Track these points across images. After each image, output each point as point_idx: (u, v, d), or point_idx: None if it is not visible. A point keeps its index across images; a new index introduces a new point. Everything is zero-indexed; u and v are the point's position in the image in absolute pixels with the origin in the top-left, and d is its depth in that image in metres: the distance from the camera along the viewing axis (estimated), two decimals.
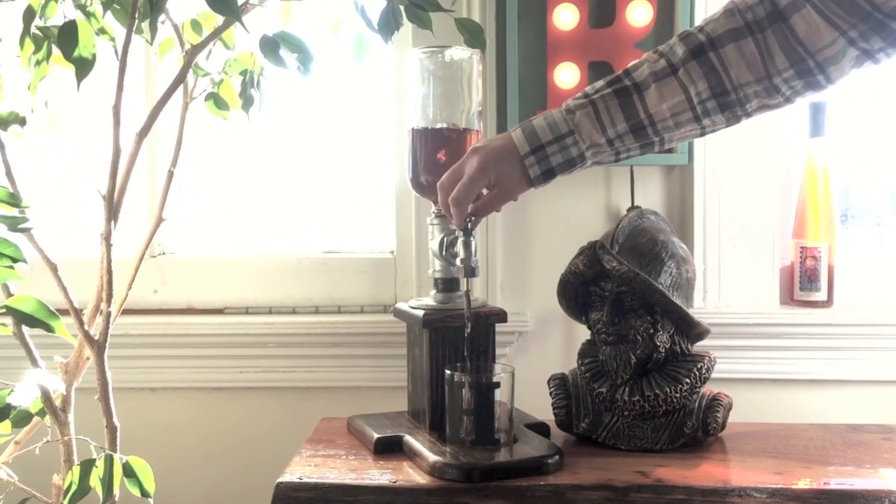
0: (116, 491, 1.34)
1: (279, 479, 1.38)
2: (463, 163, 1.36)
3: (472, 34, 1.54)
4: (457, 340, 1.53)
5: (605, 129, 1.33)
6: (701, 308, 1.86)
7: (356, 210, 2.07)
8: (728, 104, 1.32)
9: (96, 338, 1.40)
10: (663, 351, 1.52)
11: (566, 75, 1.84)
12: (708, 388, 1.56)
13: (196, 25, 1.58)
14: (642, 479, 1.37)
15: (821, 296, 1.87)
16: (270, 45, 1.49)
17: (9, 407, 1.33)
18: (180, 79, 1.49)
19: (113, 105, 1.40)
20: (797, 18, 1.26)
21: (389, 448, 1.51)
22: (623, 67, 1.79)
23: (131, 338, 1.91)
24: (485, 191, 1.36)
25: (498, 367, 1.49)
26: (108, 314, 1.41)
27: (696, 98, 1.31)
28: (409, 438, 1.50)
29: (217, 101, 1.64)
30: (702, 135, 1.37)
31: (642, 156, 1.39)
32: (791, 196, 1.92)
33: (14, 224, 1.30)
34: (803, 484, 1.34)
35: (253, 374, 1.95)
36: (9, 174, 1.38)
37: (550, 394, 1.60)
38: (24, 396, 1.34)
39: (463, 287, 1.54)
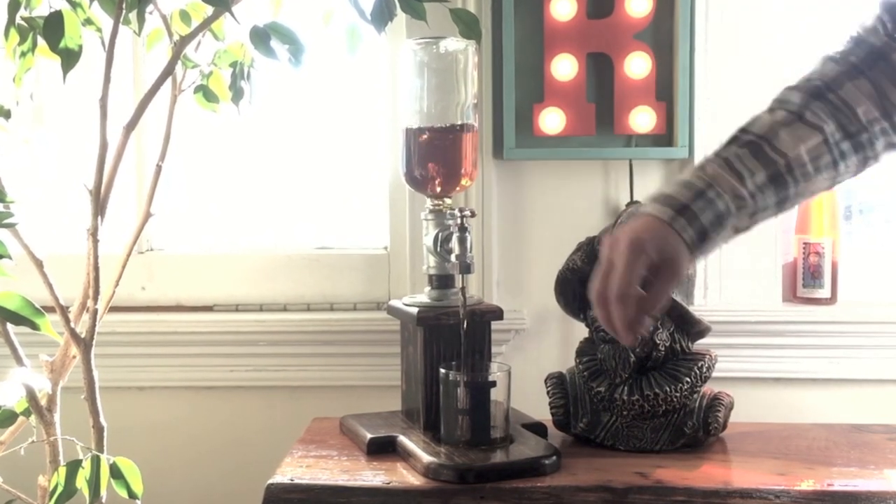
0: (103, 492, 1.34)
1: (270, 481, 1.38)
2: (607, 258, 1.20)
3: (467, 25, 1.54)
4: (452, 338, 1.53)
5: (743, 178, 1.21)
6: (701, 305, 1.86)
7: (349, 205, 2.07)
8: (860, 144, 1.25)
9: (83, 336, 1.40)
10: (663, 349, 1.53)
11: (564, 67, 1.84)
12: (709, 388, 1.56)
13: (185, 16, 1.58)
14: (642, 480, 1.37)
15: (824, 293, 1.88)
16: (261, 36, 1.49)
17: None
18: (169, 71, 1.49)
19: (100, 97, 1.40)
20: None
21: (383, 449, 1.51)
22: (621, 59, 1.81)
23: (118, 336, 1.91)
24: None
25: (494, 366, 1.50)
26: (95, 311, 1.41)
27: (831, 138, 1.23)
28: (402, 439, 1.50)
29: (206, 93, 1.64)
30: (830, 187, 1.29)
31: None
32: None
33: None
34: (806, 485, 1.35)
35: (243, 373, 1.95)
36: None
37: (548, 393, 1.60)
38: (9, 396, 1.35)
39: (458, 284, 1.54)
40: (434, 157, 1.56)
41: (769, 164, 1.22)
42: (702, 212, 1.19)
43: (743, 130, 1.26)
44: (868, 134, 1.25)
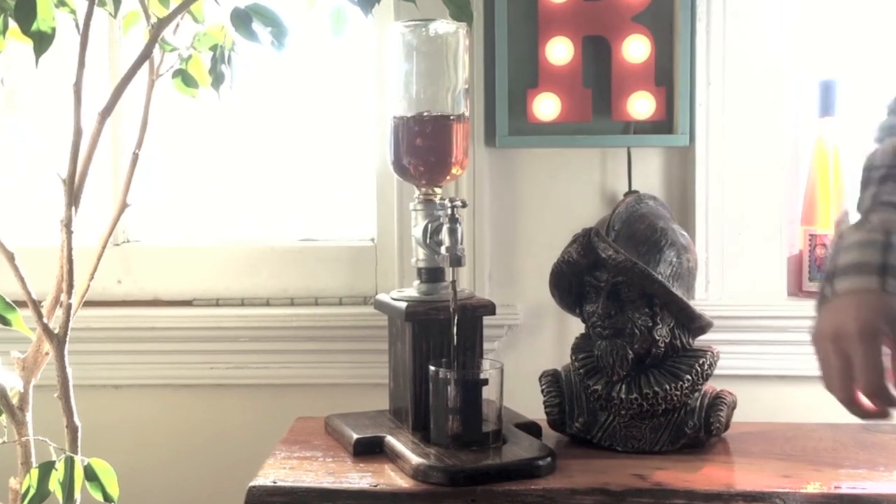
0: (77, 495, 1.34)
1: (252, 483, 1.38)
2: (833, 354, 1.14)
3: (458, 6, 1.53)
4: (442, 334, 1.53)
5: None
6: (703, 300, 1.87)
7: (334, 195, 2.06)
8: None
9: (56, 331, 1.40)
10: (663, 345, 1.53)
11: (559, 50, 1.84)
12: (710, 386, 1.56)
13: None
14: (640, 482, 1.38)
15: None
16: (242, 19, 1.49)
17: None
18: (146, 54, 1.49)
19: (74, 83, 1.40)
20: None
21: (370, 449, 1.51)
22: (619, 42, 1.81)
23: (93, 331, 1.91)
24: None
25: (486, 363, 1.50)
26: (69, 306, 1.41)
27: None
28: (390, 439, 1.50)
29: (185, 78, 1.64)
30: None
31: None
32: (799, 180, 1.92)
33: None
34: (813, 488, 1.35)
35: (224, 371, 1.95)
36: None
37: (542, 391, 1.60)
38: None
39: (448, 277, 1.54)
40: (423, 145, 1.56)
41: None
42: None
43: (869, 169, 1.25)
44: None
